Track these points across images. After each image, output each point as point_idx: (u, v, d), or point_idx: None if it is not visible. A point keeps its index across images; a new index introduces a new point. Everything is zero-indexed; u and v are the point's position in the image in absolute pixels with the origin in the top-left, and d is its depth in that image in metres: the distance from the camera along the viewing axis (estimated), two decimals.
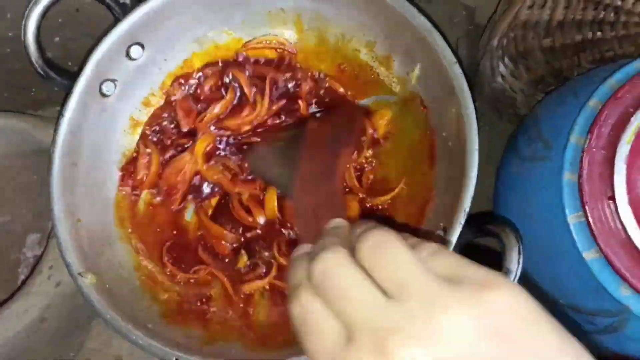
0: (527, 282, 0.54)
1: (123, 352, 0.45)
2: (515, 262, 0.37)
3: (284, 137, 0.47)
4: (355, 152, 0.46)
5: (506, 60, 0.57)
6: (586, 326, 0.50)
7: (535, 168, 0.49)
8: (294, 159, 0.38)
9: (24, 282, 0.51)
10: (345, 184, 0.46)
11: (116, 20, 0.43)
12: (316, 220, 0.31)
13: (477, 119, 0.66)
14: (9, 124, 0.56)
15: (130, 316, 0.39)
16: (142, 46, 0.45)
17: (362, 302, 0.24)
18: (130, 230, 0.45)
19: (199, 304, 0.42)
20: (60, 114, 0.42)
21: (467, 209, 0.40)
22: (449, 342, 0.21)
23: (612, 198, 0.42)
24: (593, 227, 0.43)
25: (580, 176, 0.43)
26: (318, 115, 0.48)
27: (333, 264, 0.25)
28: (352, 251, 0.26)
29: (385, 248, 0.25)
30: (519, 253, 0.38)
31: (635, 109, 0.43)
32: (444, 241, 0.40)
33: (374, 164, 0.47)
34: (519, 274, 0.38)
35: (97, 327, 0.46)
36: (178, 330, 0.41)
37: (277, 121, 0.47)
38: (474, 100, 0.66)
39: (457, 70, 0.41)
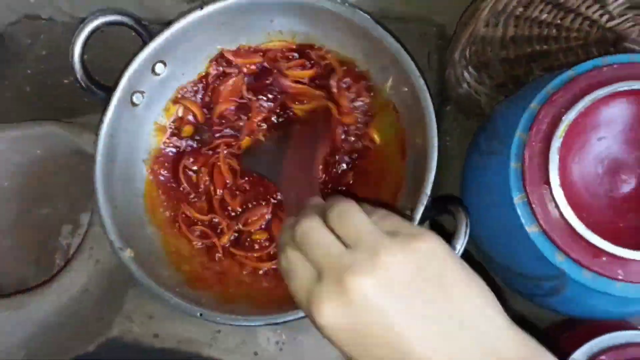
0: (485, 256, 0.64)
1: (155, 312, 0.54)
2: (463, 232, 0.47)
3: (273, 137, 0.56)
4: (328, 148, 0.55)
5: (470, 69, 0.66)
6: (535, 290, 0.59)
7: (491, 160, 0.58)
8: (280, 155, 0.48)
9: (61, 268, 0.61)
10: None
11: (144, 43, 0.52)
12: (298, 200, 0.41)
13: (449, 119, 0.75)
14: (49, 130, 0.64)
15: (161, 282, 0.48)
16: (165, 63, 0.53)
17: (328, 251, 0.33)
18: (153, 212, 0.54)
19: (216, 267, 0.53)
20: (100, 121, 0.51)
21: (428, 193, 0.49)
22: (387, 272, 0.31)
23: (548, 182, 0.51)
24: (533, 206, 0.52)
25: (522, 165, 0.52)
26: (301, 118, 0.57)
27: (309, 226, 0.34)
28: (325, 218, 0.35)
29: (346, 213, 0.34)
30: (467, 226, 0.47)
31: (566, 110, 0.52)
32: (410, 218, 0.50)
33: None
34: (466, 241, 0.47)
35: (132, 293, 0.55)
36: (199, 293, 0.50)
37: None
38: (447, 105, 0.75)
39: (421, 82, 0.50)
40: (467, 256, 0.66)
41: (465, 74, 0.66)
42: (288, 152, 0.49)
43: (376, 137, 0.56)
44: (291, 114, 0.57)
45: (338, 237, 0.34)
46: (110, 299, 0.55)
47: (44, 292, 0.55)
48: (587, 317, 0.61)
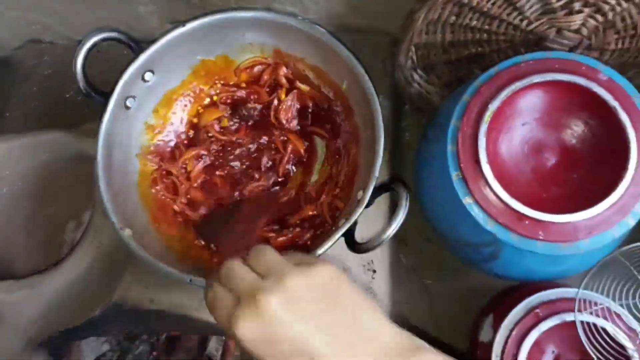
0: (438, 233, 0.73)
1: (150, 283, 0.62)
2: (404, 204, 0.55)
3: (225, 210, 0.65)
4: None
5: (419, 71, 0.76)
6: (476, 256, 0.67)
7: (435, 146, 0.67)
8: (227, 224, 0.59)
9: (69, 251, 0.68)
10: None
11: (135, 55, 0.61)
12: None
13: (407, 117, 0.85)
14: (54, 137, 0.72)
15: (155, 255, 0.57)
16: (153, 72, 0.61)
17: (245, 280, 0.41)
18: (145, 199, 0.63)
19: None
20: (100, 121, 0.59)
21: (377, 175, 0.57)
22: (291, 292, 0.39)
23: (478, 161, 0.60)
24: (467, 180, 0.60)
25: (457, 147, 0.61)
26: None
27: (231, 264, 0.43)
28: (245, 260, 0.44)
29: (261, 251, 0.43)
30: (407, 199, 0.55)
31: (491, 99, 0.61)
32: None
33: None
34: (407, 210, 0.55)
35: (130, 269, 0.63)
36: (187, 265, 0.59)
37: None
38: (405, 104, 0.85)
39: (369, 84, 0.58)
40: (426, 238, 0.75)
41: (415, 75, 0.76)
42: (233, 223, 0.59)
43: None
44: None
45: (254, 271, 0.42)
46: (112, 275, 0.64)
47: (54, 272, 0.63)
48: (523, 278, 0.69)
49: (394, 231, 0.54)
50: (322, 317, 0.39)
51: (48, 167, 0.74)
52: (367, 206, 0.57)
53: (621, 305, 0.64)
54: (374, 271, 0.70)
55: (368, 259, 0.70)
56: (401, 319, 0.81)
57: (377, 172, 0.57)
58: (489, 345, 0.66)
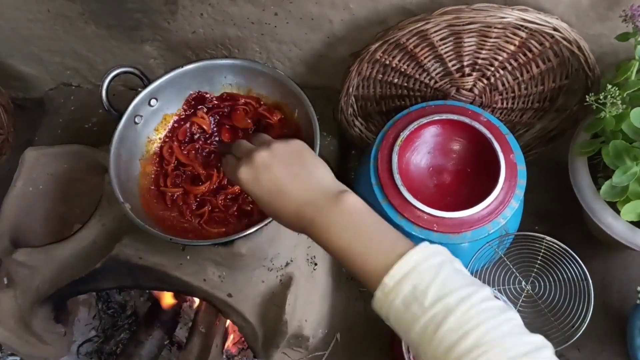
0: None
1: (140, 248, 0.76)
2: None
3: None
4: None
5: (360, 119, 0.96)
6: None
7: (364, 166, 0.86)
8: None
9: (79, 227, 0.84)
10: None
11: (145, 85, 0.81)
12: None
13: (354, 160, 1.03)
14: (75, 149, 0.90)
15: (147, 225, 0.73)
16: (157, 99, 0.81)
17: (246, 147, 0.60)
18: (143, 191, 0.80)
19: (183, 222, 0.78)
20: (114, 131, 0.78)
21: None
22: (274, 151, 0.57)
23: (391, 172, 0.79)
24: (383, 187, 0.79)
25: (377, 163, 0.80)
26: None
27: (239, 141, 0.62)
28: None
29: (258, 135, 0.62)
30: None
31: (403, 129, 0.81)
32: None
33: None
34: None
35: (127, 236, 0.80)
36: (168, 234, 0.75)
37: None
38: (352, 150, 1.03)
39: (313, 114, 0.79)
40: None
41: (357, 122, 0.96)
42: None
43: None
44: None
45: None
46: (110, 246, 0.79)
47: (66, 243, 0.79)
48: None
49: None
50: (291, 167, 0.57)
51: (66, 175, 0.91)
52: None
53: (499, 290, 0.80)
54: (316, 264, 0.86)
55: (312, 254, 0.86)
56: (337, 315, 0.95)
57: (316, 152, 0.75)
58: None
